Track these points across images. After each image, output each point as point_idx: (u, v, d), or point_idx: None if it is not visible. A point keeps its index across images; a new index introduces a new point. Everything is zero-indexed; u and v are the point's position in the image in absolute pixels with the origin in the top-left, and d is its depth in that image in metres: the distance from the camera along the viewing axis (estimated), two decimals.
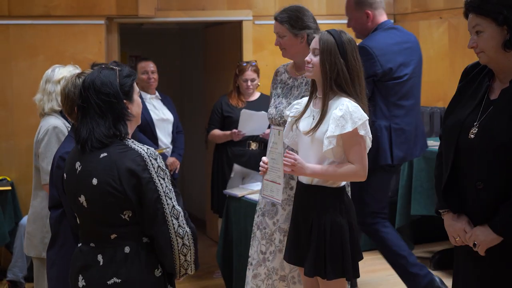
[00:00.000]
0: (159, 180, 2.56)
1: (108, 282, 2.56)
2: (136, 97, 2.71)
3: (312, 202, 3.16)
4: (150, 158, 2.56)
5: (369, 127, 3.09)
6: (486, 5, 2.57)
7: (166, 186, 2.58)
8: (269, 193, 3.33)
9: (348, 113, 3.01)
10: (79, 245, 2.70)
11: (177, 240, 2.57)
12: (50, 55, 5.83)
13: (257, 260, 3.79)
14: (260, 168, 3.34)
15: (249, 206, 4.74)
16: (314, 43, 3.18)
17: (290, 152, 3.15)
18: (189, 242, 2.60)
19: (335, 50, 3.10)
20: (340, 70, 3.08)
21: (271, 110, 3.77)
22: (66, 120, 3.81)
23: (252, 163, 5.49)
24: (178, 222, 2.57)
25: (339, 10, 6.69)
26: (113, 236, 2.59)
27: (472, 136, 2.63)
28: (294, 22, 3.68)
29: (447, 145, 2.73)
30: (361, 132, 3.03)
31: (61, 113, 3.88)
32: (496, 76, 2.69)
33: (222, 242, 4.98)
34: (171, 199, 2.58)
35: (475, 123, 2.64)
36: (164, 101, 5.91)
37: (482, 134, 2.60)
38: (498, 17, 2.55)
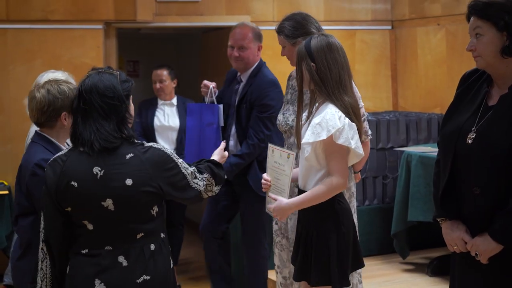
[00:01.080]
0: (179, 162, 2.75)
1: (138, 281, 2.64)
2: (131, 101, 2.78)
3: (303, 208, 3.15)
4: (166, 150, 2.73)
5: (351, 135, 3.00)
6: (489, 10, 2.58)
7: (182, 162, 2.77)
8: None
9: (324, 121, 2.97)
10: (84, 251, 2.68)
11: (206, 194, 2.85)
12: (48, 60, 5.83)
13: (288, 269, 3.76)
14: (263, 185, 3.31)
15: None
16: None
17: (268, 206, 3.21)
18: (210, 181, 2.85)
19: (305, 56, 3.09)
20: (312, 75, 3.07)
21: (279, 116, 3.80)
22: None
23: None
24: (198, 180, 2.81)
25: (337, 16, 6.72)
26: (139, 236, 2.67)
27: (470, 141, 2.63)
28: (288, 31, 3.72)
29: (445, 151, 2.73)
30: (339, 141, 2.97)
31: None
32: (494, 82, 2.70)
33: None
34: (186, 169, 2.77)
35: (473, 129, 2.64)
36: (181, 107, 5.92)
37: (480, 139, 2.60)
38: (499, 22, 2.56)
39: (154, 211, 2.70)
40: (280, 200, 3.13)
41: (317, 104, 3.16)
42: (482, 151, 2.59)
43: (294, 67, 3.86)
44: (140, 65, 8.56)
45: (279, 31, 3.77)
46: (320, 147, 3.01)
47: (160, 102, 5.86)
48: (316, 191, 3.04)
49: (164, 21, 6.28)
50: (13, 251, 3.25)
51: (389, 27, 6.89)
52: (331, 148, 3.00)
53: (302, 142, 3.04)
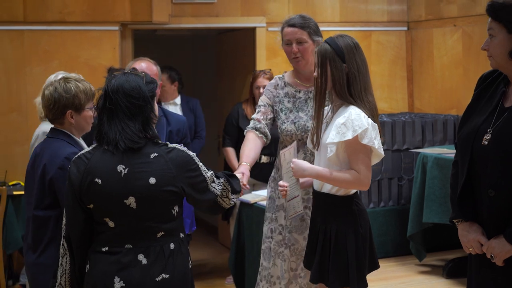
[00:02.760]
0: (200, 165, 2.77)
1: (157, 279, 2.67)
2: (155, 102, 2.81)
3: (320, 209, 3.15)
4: (189, 152, 2.75)
5: (374, 135, 3.02)
6: (501, 11, 2.58)
7: (202, 165, 2.79)
8: (292, 212, 3.31)
9: (349, 121, 2.98)
10: (104, 248, 2.70)
11: (223, 200, 2.86)
12: (65, 61, 5.87)
13: (288, 278, 3.68)
14: (281, 192, 3.31)
15: (262, 213, 4.73)
16: (315, 57, 3.13)
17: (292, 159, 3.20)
18: (226, 187, 2.86)
19: (333, 57, 3.06)
20: (338, 77, 3.05)
21: (288, 126, 3.63)
22: None
23: (263, 174, 5.47)
24: (216, 184, 2.82)
25: (353, 18, 6.72)
26: (159, 235, 2.70)
27: (485, 142, 2.62)
28: (314, 27, 3.66)
29: (462, 153, 2.72)
30: (364, 141, 2.98)
31: None
32: (511, 83, 2.69)
33: (234, 248, 4.99)
34: (206, 172, 2.79)
35: (488, 130, 2.63)
36: (185, 106, 5.94)
37: (495, 141, 2.59)
38: (508, 25, 2.56)
39: (175, 211, 2.73)
40: (303, 161, 3.16)
41: (331, 105, 3.15)
42: (497, 153, 2.57)
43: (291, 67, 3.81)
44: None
45: (304, 26, 3.64)
46: (342, 147, 3.02)
47: (163, 102, 5.90)
48: (339, 174, 3.04)
49: (180, 22, 6.30)
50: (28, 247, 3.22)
51: (405, 28, 6.87)
52: (355, 148, 3.01)
53: (327, 142, 3.03)
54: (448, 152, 5.34)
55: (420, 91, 6.81)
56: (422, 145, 5.95)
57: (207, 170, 2.80)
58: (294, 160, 3.18)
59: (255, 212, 4.79)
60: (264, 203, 4.77)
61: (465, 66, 6.22)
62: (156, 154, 2.68)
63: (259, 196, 4.93)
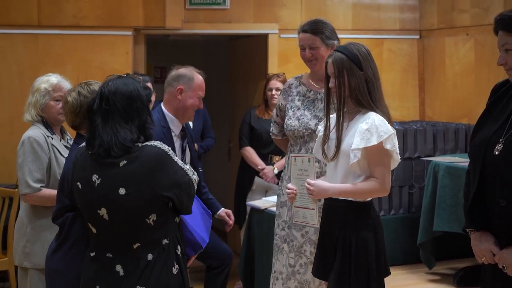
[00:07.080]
0: (176, 159, 2.66)
1: None
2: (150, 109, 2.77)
3: (338, 216, 3.13)
4: (162, 145, 2.64)
5: (396, 141, 3.06)
6: None
7: (181, 162, 2.70)
8: (301, 219, 3.30)
9: (373, 127, 2.99)
10: (92, 253, 2.71)
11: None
12: (78, 65, 5.91)
13: (286, 274, 3.74)
14: (288, 195, 3.33)
15: (272, 219, 4.73)
16: (330, 68, 3.13)
17: (307, 180, 3.17)
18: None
19: (350, 66, 3.06)
20: (357, 85, 3.05)
21: (292, 122, 3.75)
22: (50, 129, 3.75)
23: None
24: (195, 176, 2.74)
25: (364, 25, 6.72)
26: (136, 246, 2.63)
27: (497, 152, 2.62)
28: (327, 32, 3.72)
29: (474, 162, 2.72)
30: (387, 146, 3.01)
31: (42, 122, 3.78)
32: None
33: (244, 254, 4.99)
34: (185, 164, 2.71)
35: (500, 140, 2.63)
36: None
37: (506, 150, 2.59)
38: None
39: (151, 220, 2.63)
40: (322, 182, 3.15)
41: (344, 111, 3.15)
42: (508, 163, 2.57)
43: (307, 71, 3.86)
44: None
45: (316, 31, 3.71)
46: (363, 153, 3.03)
47: None
48: (363, 185, 3.04)
49: (193, 28, 6.33)
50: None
51: (417, 37, 6.88)
52: (377, 153, 3.02)
53: (352, 148, 3.02)
54: (460, 160, 5.33)
55: (431, 100, 6.81)
56: (434, 153, 5.95)
57: (184, 163, 2.70)
58: (312, 182, 3.14)
59: (265, 218, 4.79)
60: (274, 209, 4.78)
61: (477, 75, 6.21)
62: (125, 162, 2.59)
63: (270, 202, 4.93)
